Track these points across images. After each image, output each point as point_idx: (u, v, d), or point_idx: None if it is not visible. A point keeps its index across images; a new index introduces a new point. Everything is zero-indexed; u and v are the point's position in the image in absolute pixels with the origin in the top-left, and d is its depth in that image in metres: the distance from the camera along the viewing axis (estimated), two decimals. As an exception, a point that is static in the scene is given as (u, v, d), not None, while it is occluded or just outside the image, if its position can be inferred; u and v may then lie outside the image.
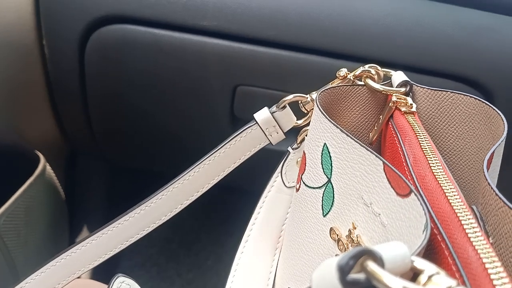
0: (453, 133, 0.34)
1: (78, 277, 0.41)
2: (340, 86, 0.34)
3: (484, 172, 0.24)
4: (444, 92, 0.34)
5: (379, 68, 0.35)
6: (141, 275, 0.92)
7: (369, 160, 0.26)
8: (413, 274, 0.18)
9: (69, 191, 0.77)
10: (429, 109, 0.34)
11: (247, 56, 0.56)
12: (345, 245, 0.28)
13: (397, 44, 0.55)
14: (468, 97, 0.33)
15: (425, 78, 0.55)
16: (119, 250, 0.40)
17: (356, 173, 0.27)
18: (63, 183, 0.72)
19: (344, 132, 0.27)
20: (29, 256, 0.61)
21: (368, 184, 0.26)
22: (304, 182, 0.32)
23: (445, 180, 0.24)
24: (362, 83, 0.35)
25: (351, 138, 0.27)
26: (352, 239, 0.28)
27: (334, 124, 0.28)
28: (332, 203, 0.29)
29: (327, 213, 0.30)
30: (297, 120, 0.38)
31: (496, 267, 0.18)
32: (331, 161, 0.29)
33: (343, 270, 0.16)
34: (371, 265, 0.16)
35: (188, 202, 0.39)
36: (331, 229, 0.29)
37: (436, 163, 0.26)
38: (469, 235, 0.20)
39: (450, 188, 0.23)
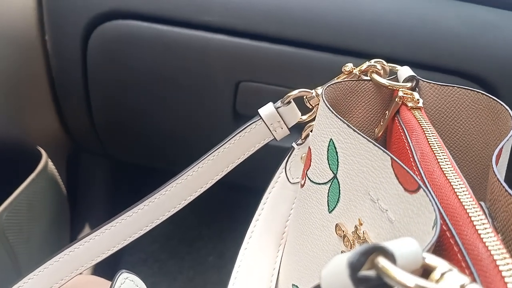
0: (459, 129, 0.33)
1: (81, 273, 0.41)
2: (346, 81, 0.34)
3: (493, 167, 0.24)
4: (450, 87, 0.33)
5: (385, 63, 0.35)
6: (143, 271, 0.92)
7: (377, 156, 0.25)
8: (423, 271, 0.18)
9: (72, 187, 0.77)
10: (435, 104, 0.34)
11: (250, 52, 0.56)
12: (351, 242, 0.28)
13: (401, 40, 0.55)
14: (475, 92, 0.32)
15: (429, 74, 0.54)
16: (122, 246, 0.40)
17: (363, 168, 0.26)
18: (65, 179, 0.72)
19: (351, 127, 0.27)
20: (32, 252, 0.61)
21: (375, 179, 0.26)
22: (309, 178, 0.32)
23: (454, 175, 0.24)
24: (368, 78, 0.34)
25: (358, 133, 0.26)
26: (358, 235, 0.27)
27: (340, 119, 0.28)
28: (338, 199, 0.29)
29: (332, 209, 0.29)
30: (301, 115, 0.38)
31: (508, 264, 0.18)
32: (337, 157, 0.28)
33: (354, 267, 0.16)
34: (383, 262, 0.16)
35: (192, 198, 0.39)
36: (336, 225, 0.29)
37: (444, 158, 0.26)
38: (479, 231, 0.20)
39: (459, 184, 0.23)
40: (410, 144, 0.28)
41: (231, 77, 0.58)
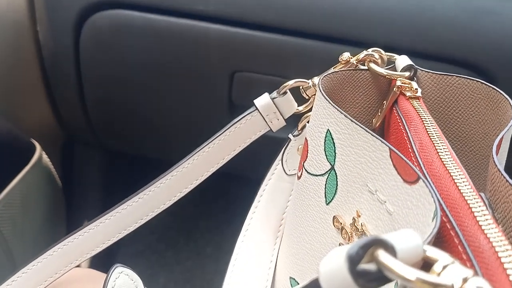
0: (458, 118, 0.33)
1: (77, 266, 0.40)
2: (343, 70, 0.33)
3: (493, 157, 0.24)
4: (449, 77, 0.33)
5: (382, 52, 0.34)
6: (141, 263, 0.92)
7: (375, 146, 0.25)
8: (423, 264, 0.17)
9: (67, 179, 0.76)
10: (434, 94, 0.33)
11: (246, 41, 0.55)
12: (349, 234, 0.28)
13: (398, 28, 0.54)
14: (474, 81, 0.32)
15: (426, 63, 0.54)
16: (117, 239, 0.40)
17: (361, 159, 0.26)
18: (60, 171, 0.71)
19: (348, 118, 0.26)
20: (27, 245, 0.61)
21: (373, 171, 0.25)
22: (306, 170, 0.31)
23: (453, 166, 0.24)
24: (365, 67, 0.34)
25: (355, 123, 0.26)
26: (356, 227, 0.27)
27: (338, 109, 0.27)
28: (336, 191, 0.28)
29: (330, 201, 0.29)
30: (298, 106, 0.37)
31: (510, 255, 0.18)
32: (334, 148, 0.28)
33: (353, 260, 0.15)
34: (383, 255, 0.15)
35: (187, 190, 0.38)
36: (334, 217, 0.29)
37: (444, 148, 0.25)
38: (480, 222, 0.20)
39: (459, 174, 0.23)
40: (409, 134, 0.28)
41: (226, 67, 0.58)
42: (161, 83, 0.61)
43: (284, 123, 0.37)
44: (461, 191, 0.22)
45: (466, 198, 0.21)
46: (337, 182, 0.28)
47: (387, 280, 0.16)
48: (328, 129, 0.28)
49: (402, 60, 0.34)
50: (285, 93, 0.36)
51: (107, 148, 0.80)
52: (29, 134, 0.64)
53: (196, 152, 0.37)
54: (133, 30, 0.56)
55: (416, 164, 0.25)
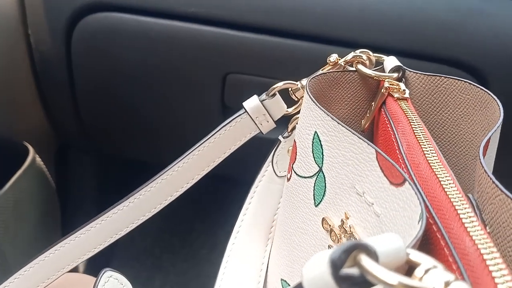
0: (447, 119, 0.33)
1: (74, 270, 0.40)
2: (331, 72, 0.33)
3: (480, 159, 0.24)
4: (437, 77, 0.33)
5: (370, 53, 0.34)
6: (137, 266, 0.92)
7: (361, 148, 0.25)
8: (409, 267, 0.17)
9: (60, 183, 0.76)
10: (422, 94, 0.33)
11: (237, 43, 0.55)
12: (338, 236, 0.28)
13: (388, 29, 0.54)
14: (462, 82, 0.32)
15: (417, 63, 0.54)
16: (109, 243, 0.39)
17: (348, 161, 0.26)
18: (53, 175, 0.71)
19: (335, 120, 0.26)
20: (20, 250, 0.61)
21: (360, 173, 0.25)
22: (295, 172, 0.31)
23: (440, 168, 0.24)
24: (353, 69, 0.34)
25: (342, 125, 0.26)
26: (345, 229, 0.27)
27: (324, 112, 0.27)
28: (324, 193, 0.28)
29: (319, 203, 0.29)
30: (287, 108, 0.37)
31: (495, 258, 0.18)
32: (322, 150, 0.28)
33: (336, 265, 0.15)
34: (365, 259, 0.15)
35: (178, 193, 0.38)
36: (323, 219, 0.29)
37: (431, 150, 0.25)
38: (466, 224, 0.20)
39: (446, 176, 0.23)
40: (396, 135, 0.28)
41: (218, 69, 0.57)
42: (154, 86, 0.61)
43: (274, 125, 0.37)
44: (447, 193, 0.22)
45: (452, 200, 0.21)
46: (325, 184, 0.28)
47: (370, 285, 0.16)
48: (316, 131, 0.28)
49: (390, 61, 0.34)
50: (274, 95, 0.36)
51: (101, 152, 0.79)
52: (22, 138, 0.63)
53: (186, 155, 0.37)
54: (124, 33, 0.56)
55: (403, 165, 0.25)
